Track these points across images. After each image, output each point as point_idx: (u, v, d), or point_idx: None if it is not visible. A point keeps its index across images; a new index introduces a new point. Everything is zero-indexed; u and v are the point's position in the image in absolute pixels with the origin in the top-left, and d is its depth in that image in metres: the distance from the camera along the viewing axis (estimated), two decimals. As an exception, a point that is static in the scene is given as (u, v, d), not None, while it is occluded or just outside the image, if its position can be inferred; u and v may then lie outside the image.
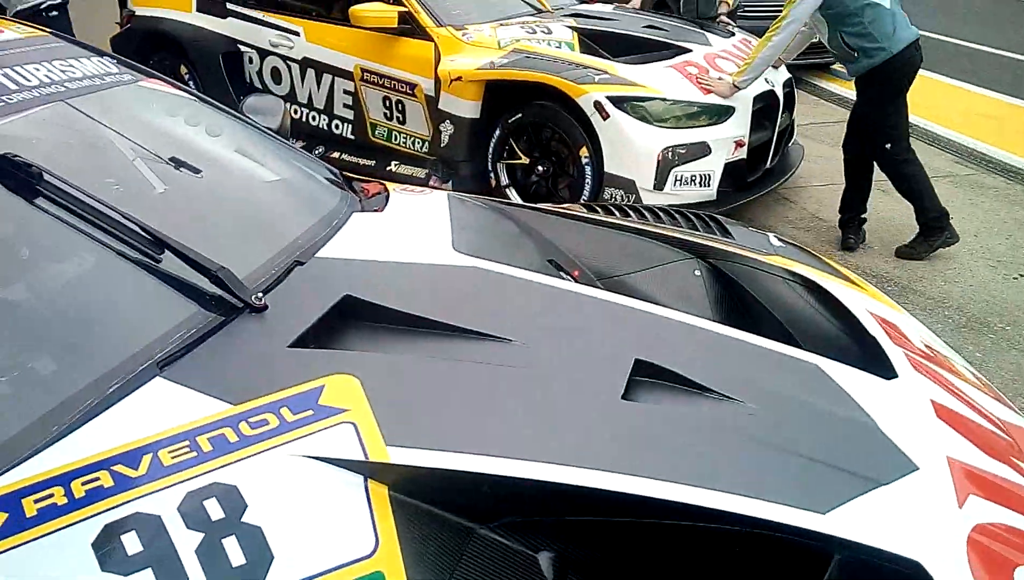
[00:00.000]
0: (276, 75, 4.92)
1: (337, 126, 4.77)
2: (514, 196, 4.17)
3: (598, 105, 3.69)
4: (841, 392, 1.44)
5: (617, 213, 2.36)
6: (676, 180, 3.78)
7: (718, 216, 2.36)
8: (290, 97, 4.90)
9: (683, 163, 3.76)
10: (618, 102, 3.70)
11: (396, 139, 4.54)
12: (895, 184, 3.90)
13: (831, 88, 6.88)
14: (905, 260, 4.01)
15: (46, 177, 1.42)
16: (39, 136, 1.68)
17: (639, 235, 2.06)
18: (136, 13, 5.50)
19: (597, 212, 2.35)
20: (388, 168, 4.60)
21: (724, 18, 5.05)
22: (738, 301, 1.88)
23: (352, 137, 4.74)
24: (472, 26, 4.34)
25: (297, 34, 4.77)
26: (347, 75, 4.57)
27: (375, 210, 1.93)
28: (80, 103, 1.77)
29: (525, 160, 4.09)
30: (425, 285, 1.62)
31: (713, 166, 3.84)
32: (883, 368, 1.58)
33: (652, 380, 1.39)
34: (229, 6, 5.08)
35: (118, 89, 1.93)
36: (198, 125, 2.12)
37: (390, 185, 2.16)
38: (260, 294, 1.44)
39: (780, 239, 2.28)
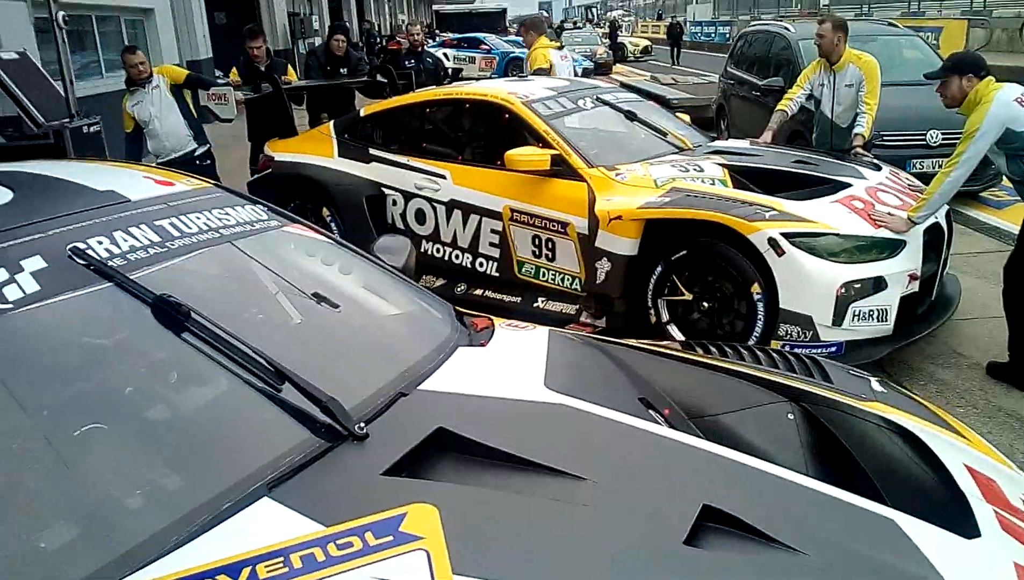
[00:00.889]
0: (420, 216, 5.03)
1: (481, 264, 4.82)
2: (675, 332, 4.09)
3: (773, 242, 3.65)
4: (914, 549, 1.42)
5: (715, 351, 2.35)
6: (854, 316, 3.67)
7: (818, 358, 2.32)
8: (433, 237, 5.00)
9: (861, 298, 3.66)
10: (792, 238, 3.65)
11: (544, 276, 4.55)
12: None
13: (979, 217, 6.71)
14: None
15: (193, 314, 1.62)
16: (198, 275, 1.92)
17: (734, 376, 2.07)
18: (275, 158, 5.75)
19: (695, 351, 2.33)
20: (535, 305, 4.59)
21: (859, 150, 5.06)
22: (830, 447, 1.83)
23: (497, 275, 4.77)
24: (623, 166, 4.40)
25: (444, 177, 4.91)
26: (495, 215, 4.65)
27: (480, 345, 2.04)
28: (232, 247, 2.01)
29: (688, 296, 4.03)
30: (513, 420, 1.71)
31: (890, 300, 3.73)
32: (967, 526, 1.54)
33: (718, 526, 1.40)
34: (372, 152, 5.28)
35: (266, 234, 2.16)
36: (332, 265, 2.34)
37: (496, 320, 2.26)
38: (363, 424, 1.57)
39: (883, 383, 2.21)
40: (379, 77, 6.86)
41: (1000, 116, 3.64)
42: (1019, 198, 4.08)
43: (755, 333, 3.80)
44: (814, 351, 3.71)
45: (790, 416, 1.90)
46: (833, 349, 3.72)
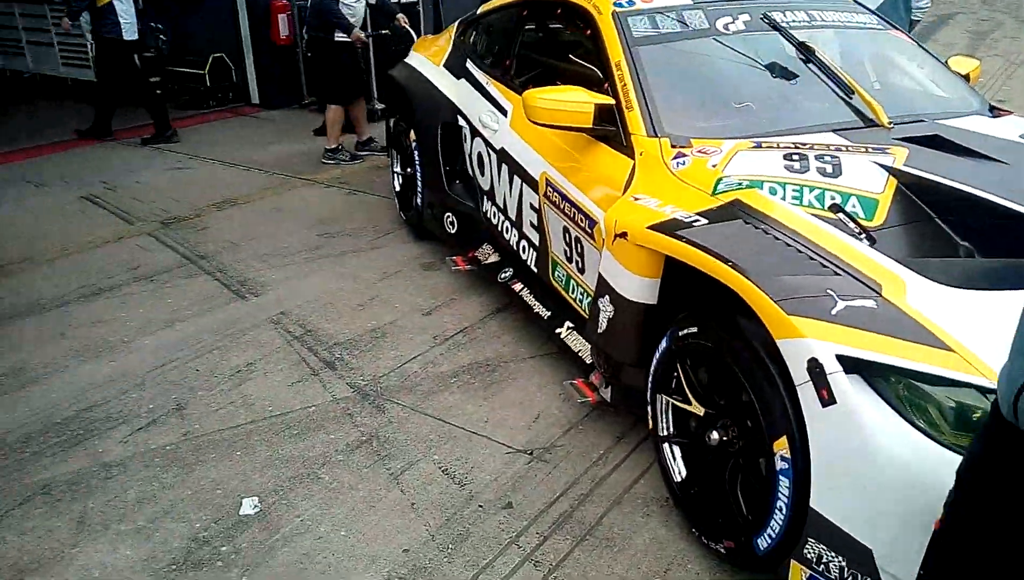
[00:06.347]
0: (480, 163, 3.62)
1: (524, 249, 3.30)
2: (674, 461, 2.27)
3: (815, 368, 1.66)
4: None
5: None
6: None
7: None
8: (490, 195, 3.57)
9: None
10: (867, 371, 1.62)
11: (574, 292, 2.92)
12: None
13: None
14: None
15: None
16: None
17: None
18: (406, 60, 4.65)
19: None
20: (558, 330, 3.00)
21: None
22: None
23: (535, 269, 3.23)
24: (701, 143, 2.50)
25: (505, 114, 3.40)
26: (533, 184, 3.08)
27: None
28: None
29: (698, 409, 2.16)
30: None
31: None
32: None
33: None
34: (468, 63, 3.91)
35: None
36: None
37: None
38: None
39: None
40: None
41: None
42: None
43: (768, 529, 1.86)
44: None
45: None
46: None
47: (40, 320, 3.64)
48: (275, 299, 3.79)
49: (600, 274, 2.45)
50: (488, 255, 3.69)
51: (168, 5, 8.02)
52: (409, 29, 5.36)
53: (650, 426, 2.37)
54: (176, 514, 2.39)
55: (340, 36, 5.49)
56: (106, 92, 6.70)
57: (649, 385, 2.33)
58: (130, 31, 6.29)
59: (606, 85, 2.80)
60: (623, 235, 2.28)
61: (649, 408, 2.35)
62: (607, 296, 2.42)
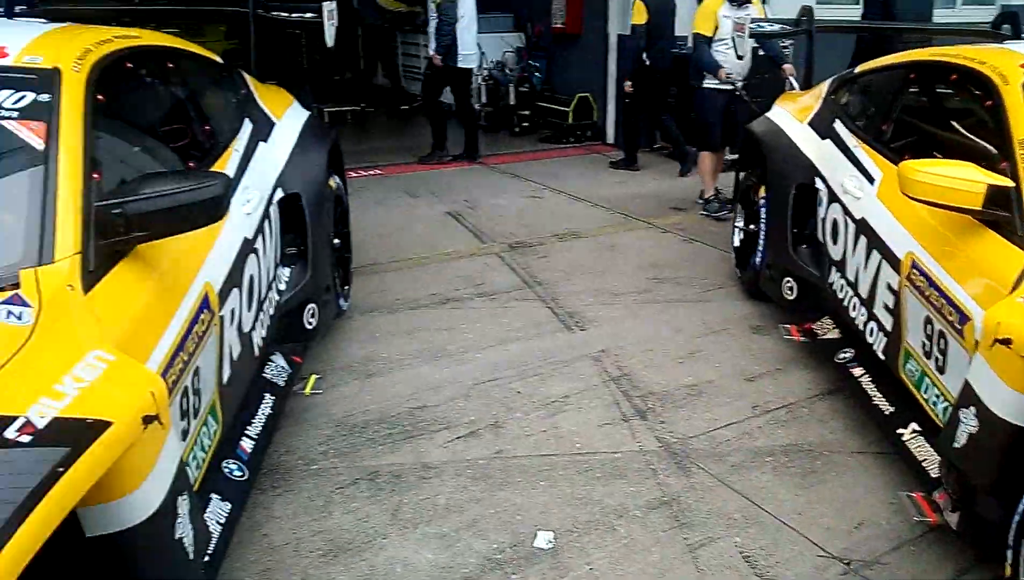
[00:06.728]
0: (835, 231, 3.35)
1: (872, 332, 2.99)
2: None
3: None
4: None
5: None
6: None
7: None
8: (840, 266, 3.29)
9: None
10: None
11: (927, 391, 2.57)
12: None
13: None
14: None
15: None
16: None
17: None
18: (768, 115, 4.48)
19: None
20: (900, 431, 2.66)
21: None
22: None
23: (883, 357, 2.90)
24: None
25: (872, 181, 3.11)
26: (894, 262, 2.77)
27: None
28: None
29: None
30: None
31: None
32: None
33: None
34: (836, 123, 3.66)
35: None
36: None
37: None
38: None
39: None
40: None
41: None
42: None
43: None
44: None
45: None
46: None
47: (395, 318, 4.07)
48: (599, 336, 3.85)
49: (967, 381, 2.11)
50: (827, 330, 3.40)
51: (547, 46, 8.65)
52: (795, 84, 5.12)
53: (1007, 573, 1.97)
54: (477, 529, 2.49)
55: (710, 82, 5.47)
56: (471, 118, 7.40)
57: (1013, 525, 1.94)
58: (466, 60, 6.97)
59: (1003, 164, 2.42)
60: (1006, 342, 1.94)
61: (1009, 552, 1.96)
62: (973, 408, 2.08)
